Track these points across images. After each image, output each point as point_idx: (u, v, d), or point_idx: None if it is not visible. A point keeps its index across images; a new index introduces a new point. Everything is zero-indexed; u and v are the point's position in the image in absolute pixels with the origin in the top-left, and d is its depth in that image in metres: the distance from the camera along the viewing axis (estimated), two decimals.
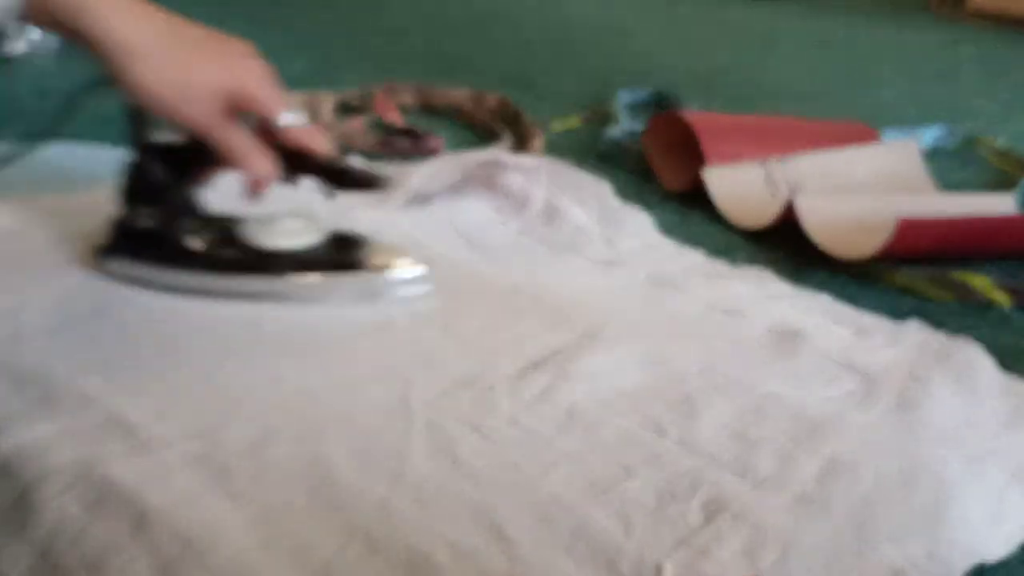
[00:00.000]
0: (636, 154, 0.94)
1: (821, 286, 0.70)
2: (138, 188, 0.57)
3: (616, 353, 0.56)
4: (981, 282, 0.69)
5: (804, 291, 0.68)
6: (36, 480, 0.40)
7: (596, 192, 0.78)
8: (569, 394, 0.51)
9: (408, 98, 1.12)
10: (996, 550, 0.43)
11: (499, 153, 0.79)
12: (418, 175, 0.76)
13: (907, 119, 1.24)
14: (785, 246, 0.76)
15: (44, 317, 0.54)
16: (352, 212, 0.73)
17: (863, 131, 1.01)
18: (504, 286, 0.63)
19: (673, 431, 0.49)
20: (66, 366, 0.49)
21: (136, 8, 0.50)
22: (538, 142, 0.96)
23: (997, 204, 0.86)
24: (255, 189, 0.56)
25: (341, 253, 0.59)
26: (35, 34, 1.15)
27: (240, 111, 0.53)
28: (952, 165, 1.05)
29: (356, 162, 0.59)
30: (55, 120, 0.57)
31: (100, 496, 0.40)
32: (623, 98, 1.18)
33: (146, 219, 0.57)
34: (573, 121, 1.10)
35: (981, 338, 0.64)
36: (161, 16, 0.51)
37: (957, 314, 0.68)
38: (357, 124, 0.98)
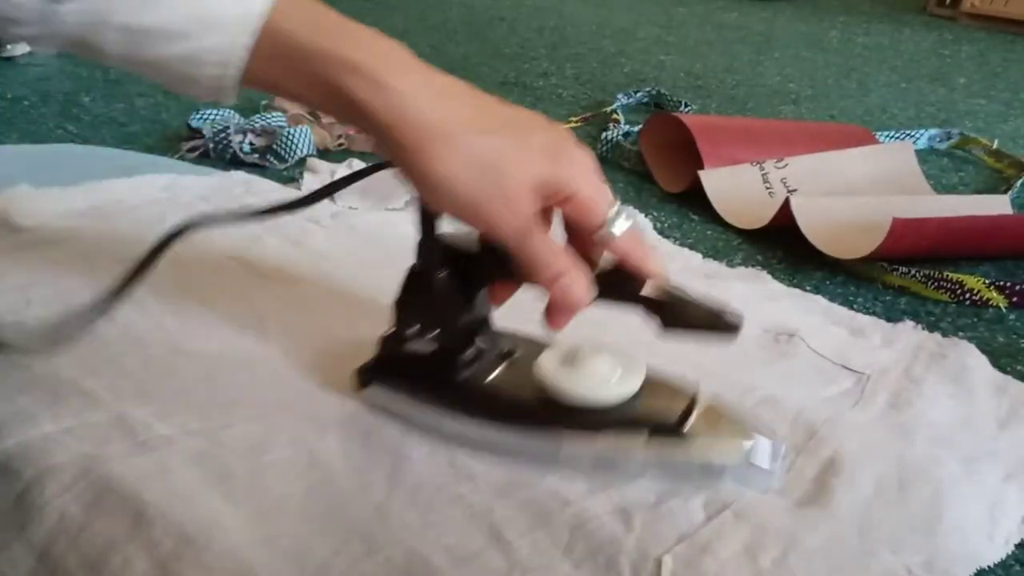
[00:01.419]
0: (634, 155, 0.95)
1: (818, 286, 0.71)
2: (417, 302, 0.45)
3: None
4: (976, 282, 0.69)
5: (801, 292, 0.68)
6: (37, 480, 0.40)
7: None
8: None
9: None
10: (993, 552, 0.43)
11: None
12: None
13: (903, 120, 1.25)
14: (782, 247, 0.77)
15: (48, 313, 0.54)
16: (352, 215, 0.73)
17: (860, 133, 1.02)
18: None
19: None
20: (72, 365, 0.49)
21: (439, 83, 0.40)
22: None
23: (992, 204, 0.86)
24: (556, 321, 0.43)
25: (658, 412, 0.44)
26: None
27: (558, 211, 0.42)
28: (947, 166, 1.05)
29: (693, 293, 0.43)
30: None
31: (99, 495, 0.40)
32: (621, 100, 1.19)
33: (423, 342, 0.45)
34: (572, 123, 1.10)
35: (976, 338, 0.64)
36: (467, 92, 0.40)
37: (953, 314, 0.68)
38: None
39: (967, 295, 0.69)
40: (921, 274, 0.70)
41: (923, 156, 1.04)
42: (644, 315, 0.43)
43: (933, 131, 1.11)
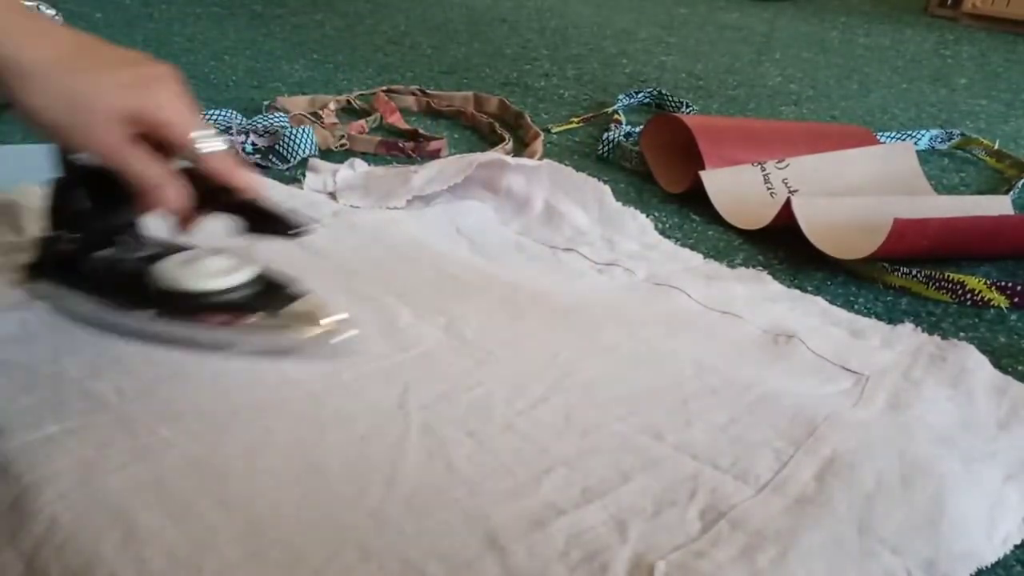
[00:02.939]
0: (635, 156, 0.95)
1: (819, 287, 0.71)
2: (63, 208, 0.52)
3: (614, 355, 0.56)
4: (978, 282, 0.69)
5: (800, 293, 0.68)
6: (35, 484, 0.40)
7: (596, 194, 0.78)
8: (566, 398, 0.51)
9: (410, 101, 1.12)
10: (993, 552, 0.43)
11: (500, 155, 0.80)
12: (420, 175, 0.76)
13: (904, 121, 1.25)
14: (783, 247, 0.77)
15: (51, 314, 0.54)
16: (353, 213, 0.74)
17: (861, 134, 1.02)
18: (504, 286, 0.63)
19: (670, 435, 0.48)
20: (77, 366, 0.50)
21: (40, 27, 0.45)
22: (538, 144, 0.97)
23: (993, 205, 0.86)
24: (181, 226, 0.49)
25: (257, 300, 0.50)
26: None
27: (151, 136, 0.46)
28: (948, 167, 1.06)
29: (278, 202, 0.50)
30: None
31: (92, 506, 0.40)
32: (622, 100, 1.19)
33: (66, 242, 0.52)
34: (573, 123, 1.10)
35: (977, 338, 0.64)
36: (67, 35, 0.45)
37: (954, 314, 0.68)
38: (359, 127, 0.98)
39: (968, 295, 0.69)
40: (922, 274, 0.70)
41: (924, 157, 1.04)
42: (234, 221, 0.49)
43: (934, 131, 1.11)
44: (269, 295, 0.50)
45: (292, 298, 0.50)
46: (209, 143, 0.47)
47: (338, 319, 0.49)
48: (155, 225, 0.53)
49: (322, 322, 0.48)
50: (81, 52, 0.45)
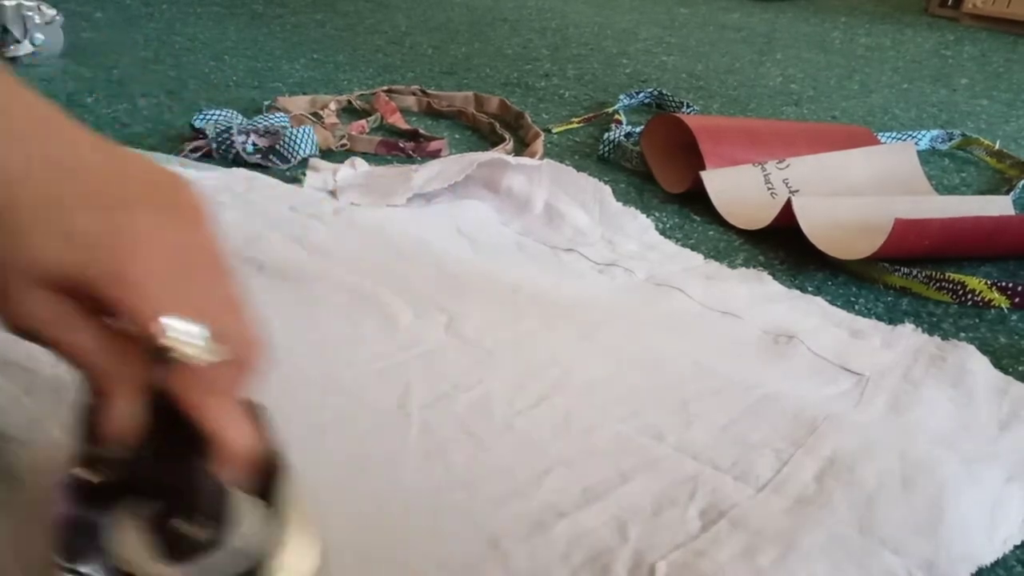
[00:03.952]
0: (636, 156, 0.95)
1: (819, 287, 0.71)
2: None
3: (614, 356, 0.56)
4: (978, 283, 0.69)
5: (800, 293, 0.68)
6: (40, 490, 0.39)
7: (596, 194, 0.78)
8: (566, 399, 0.51)
9: (410, 101, 1.12)
10: (993, 553, 0.43)
11: (500, 155, 0.80)
12: (421, 174, 0.76)
13: (905, 121, 1.25)
14: (784, 247, 0.77)
15: None
16: (354, 211, 0.74)
17: (862, 134, 1.02)
18: (504, 286, 0.63)
19: (670, 436, 0.48)
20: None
21: (22, 127, 0.29)
22: (539, 144, 0.97)
23: (994, 205, 0.86)
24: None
25: None
26: (39, 36, 1.15)
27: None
28: (949, 167, 1.05)
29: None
30: None
31: None
32: (623, 100, 1.19)
33: None
34: (573, 123, 1.10)
35: (978, 339, 0.64)
36: (56, 136, 0.29)
37: (954, 315, 0.68)
38: (360, 126, 0.98)
39: (969, 296, 0.69)
40: (923, 275, 0.70)
41: (925, 157, 1.04)
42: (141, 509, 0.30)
43: (935, 132, 1.11)
44: None
45: None
46: (186, 346, 0.28)
47: None
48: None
49: None
50: (53, 172, 0.28)
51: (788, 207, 0.75)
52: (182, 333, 0.28)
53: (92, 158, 0.29)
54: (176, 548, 0.30)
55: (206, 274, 0.29)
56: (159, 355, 0.28)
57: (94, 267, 0.27)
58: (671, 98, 1.21)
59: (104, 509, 0.30)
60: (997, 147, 1.07)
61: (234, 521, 0.30)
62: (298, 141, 0.87)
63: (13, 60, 1.15)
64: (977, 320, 0.67)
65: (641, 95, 1.23)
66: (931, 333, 0.63)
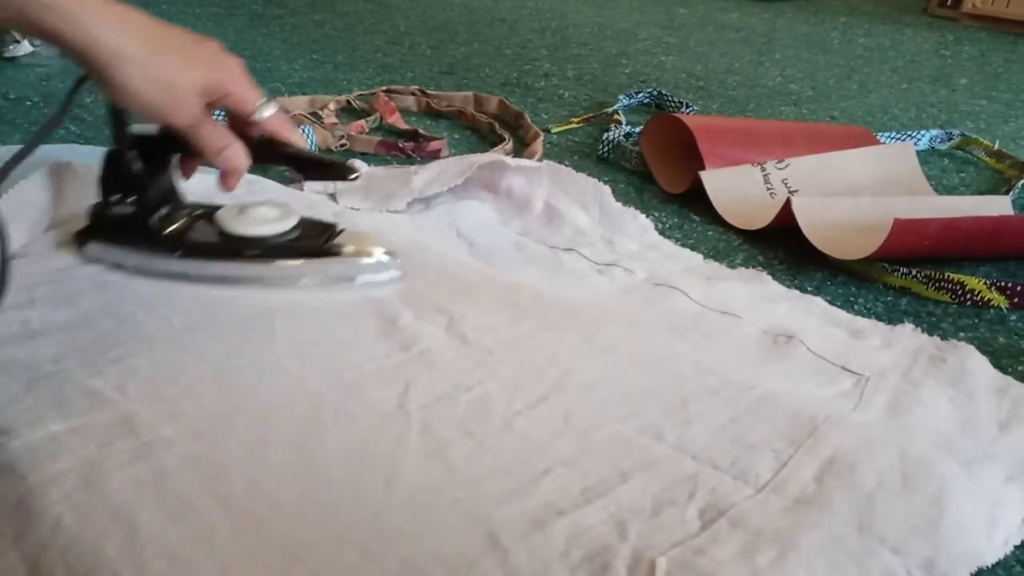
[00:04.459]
0: (635, 156, 0.95)
1: (819, 287, 0.71)
2: (116, 177, 0.59)
3: (614, 355, 0.56)
4: (978, 283, 0.69)
5: (800, 293, 0.68)
6: (39, 485, 0.40)
7: (596, 194, 0.78)
8: (565, 399, 0.51)
9: (410, 101, 1.12)
10: (992, 552, 0.43)
11: (500, 155, 0.80)
12: (420, 177, 0.76)
13: (904, 121, 1.25)
14: (783, 247, 0.77)
15: (55, 311, 0.54)
16: (355, 215, 0.74)
17: (861, 134, 1.02)
18: (504, 287, 0.63)
19: (670, 435, 0.48)
20: (80, 364, 0.49)
21: (118, 12, 0.50)
22: (538, 144, 0.97)
23: (993, 205, 0.87)
24: (227, 183, 0.57)
25: (311, 240, 0.61)
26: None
27: (218, 106, 0.55)
28: (948, 167, 1.06)
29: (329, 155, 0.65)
30: (54, 117, 0.57)
31: (95, 507, 0.40)
32: (622, 101, 1.19)
33: (123, 206, 0.59)
34: (573, 123, 1.10)
35: (977, 338, 0.64)
36: (142, 20, 0.51)
37: (954, 315, 0.68)
38: (360, 126, 0.98)
39: (968, 296, 0.69)
40: (922, 275, 0.70)
41: (924, 157, 1.04)
42: (291, 171, 0.64)
43: (934, 132, 1.11)
44: (319, 235, 0.61)
45: (337, 233, 0.62)
46: (268, 109, 0.56)
47: (382, 249, 0.61)
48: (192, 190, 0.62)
49: (372, 251, 0.61)
50: (158, 35, 0.51)
51: (787, 207, 0.76)
52: (265, 106, 0.56)
53: (158, 24, 0.52)
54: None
55: (248, 77, 0.56)
56: (260, 118, 0.56)
57: (219, 78, 0.53)
58: (670, 98, 1.21)
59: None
60: (996, 147, 1.07)
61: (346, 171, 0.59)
62: None
63: (12, 60, 1.15)
64: (976, 320, 0.68)
65: (640, 95, 1.23)
66: (931, 333, 0.63)
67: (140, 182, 0.59)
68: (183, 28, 0.54)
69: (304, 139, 0.59)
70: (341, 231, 0.62)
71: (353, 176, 0.58)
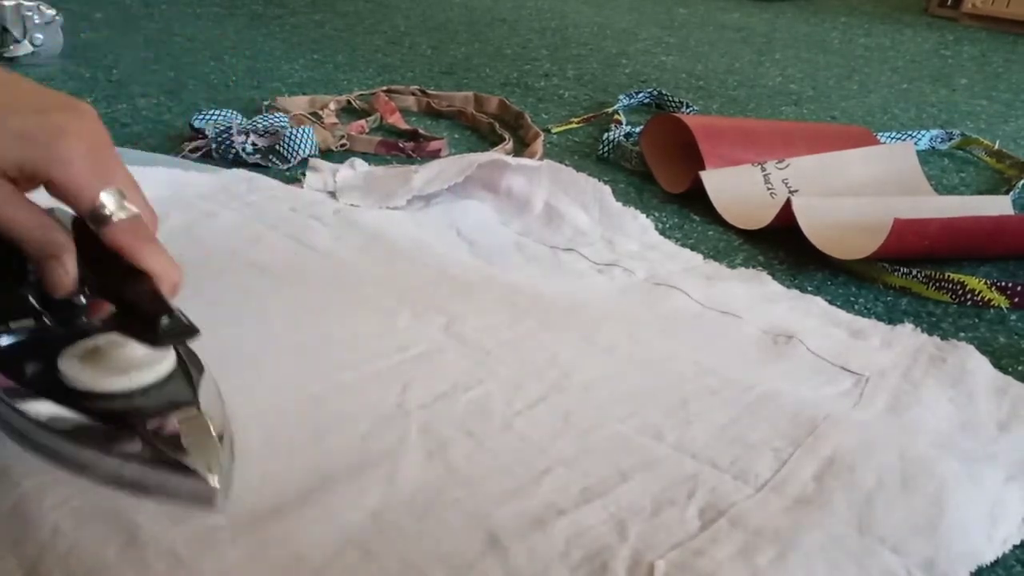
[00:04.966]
0: (636, 156, 0.95)
1: (819, 287, 0.71)
2: None
3: (614, 355, 0.56)
4: (978, 283, 0.69)
5: (800, 293, 0.68)
6: (36, 490, 0.40)
7: (596, 194, 0.78)
8: (565, 399, 0.51)
9: (410, 101, 1.12)
10: (993, 552, 0.43)
11: (500, 155, 0.80)
12: (420, 176, 0.76)
13: (904, 121, 1.25)
14: (783, 247, 0.77)
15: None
16: (354, 212, 0.74)
17: (861, 134, 1.02)
18: (504, 287, 0.63)
19: (670, 435, 0.48)
20: None
21: None
22: (538, 144, 0.97)
23: (994, 205, 0.87)
24: (90, 312, 0.41)
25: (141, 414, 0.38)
26: (39, 37, 1.15)
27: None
28: (949, 167, 1.06)
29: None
30: None
31: (93, 511, 0.39)
32: (622, 101, 1.19)
33: None
34: (573, 123, 1.10)
35: (978, 339, 0.64)
36: None
37: (954, 315, 0.68)
38: (360, 126, 0.98)
39: (968, 296, 0.69)
40: (922, 275, 0.70)
41: (924, 157, 1.04)
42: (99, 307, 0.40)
43: (934, 132, 1.11)
44: (155, 407, 0.38)
45: (178, 417, 0.38)
46: (114, 207, 0.39)
47: (212, 467, 0.36)
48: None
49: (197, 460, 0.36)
50: None
51: (787, 207, 0.76)
52: (113, 198, 0.38)
53: (5, 78, 0.40)
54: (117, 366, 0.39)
55: (111, 155, 0.40)
56: (98, 218, 0.38)
57: (41, 156, 0.37)
58: (671, 98, 1.21)
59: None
60: (996, 147, 1.07)
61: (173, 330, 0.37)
62: (298, 141, 0.87)
63: (12, 60, 1.15)
64: (976, 320, 0.68)
65: (641, 95, 1.23)
66: (931, 333, 0.63)
67: None
68: (46, 89, 0.41)
69: (166, 266, 0.39)
70: (194, 412, 0.38)
71: (158, 343, 0.38)
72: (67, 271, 0.39)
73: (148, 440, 0.36)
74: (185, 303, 0.56)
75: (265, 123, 0.91)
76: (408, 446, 0.46)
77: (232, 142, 0.86)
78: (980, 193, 0.97)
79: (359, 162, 0.83)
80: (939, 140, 1.11)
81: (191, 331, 0.37)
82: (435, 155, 0.93)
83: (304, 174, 0.81)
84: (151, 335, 0.37)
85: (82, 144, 0.39)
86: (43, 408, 0.38)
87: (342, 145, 0.94)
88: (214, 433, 0.37)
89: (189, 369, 0.41)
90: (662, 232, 0.78)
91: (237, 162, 0.86)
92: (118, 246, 0.39)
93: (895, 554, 0.41)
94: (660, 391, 0.53)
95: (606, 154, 0.98)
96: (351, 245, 0.68)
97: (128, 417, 0.38)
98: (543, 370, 0.54)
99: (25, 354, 0.41)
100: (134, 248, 0.39)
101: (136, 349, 0.39)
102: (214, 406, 0.40)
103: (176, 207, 0.70)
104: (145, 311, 0.37)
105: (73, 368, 0.39)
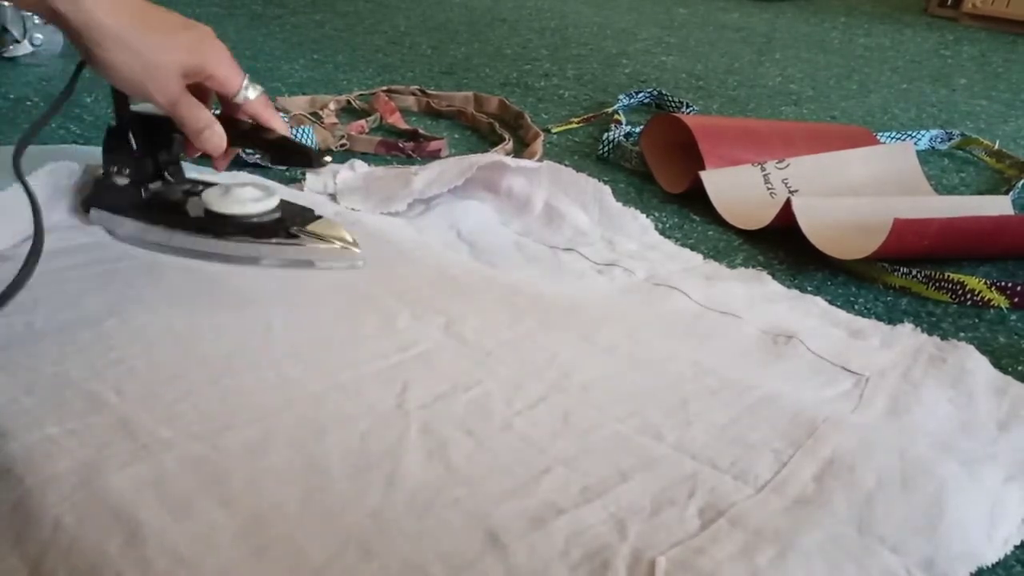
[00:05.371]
0: (636, 156, 0.95)
1: (819, 287, 0.71)
2: (114, 150, 0.64)
3: (613, 356, 0.56)
4: (978, 283, 0.69)
5: (800, 293, 0.68)
6: (37, 487, 0.40)
7: (596, 194, 0.78)
8: (565, 399, 0.51)
9: (410, 101, 1.12)
10: (993, 553, 0.43)
11: (500, 156, 0.80)
12: (421, 178, 0.76)
13: (904, 121, 1.25)
14: (783, 247, 0.77)
15: (57, 313, 0.54)
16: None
17: (861, 134, 1.02)
18: (504, 287, 0.64)
19: (670, 435, 0.48)
20: (80, 366, 0.49)
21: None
22: (538, 144, 0.97)
23: (993, 205, 0.87)
24: (216, 165, 0.62)
25: (282, 223, 0.63)
26: (39, 36, 1.15)
27: (202, 88, 0.58)
28: (948, 167, 1.06)
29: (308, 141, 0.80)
30: (53, 107, 0.61)
31: (95, 508, 0.39)
32: (622, 101, 1.19)
33: (120, 177, 0.64)
34: (573, 123, 1.10)
35: (977, 338, 0.64)
36: (136, 2, 0.54)
37: (954, 314, 0.68)
38: (360, 126, 0.98)
39: (968, 296, 0.69)
40: (922, 275, 0.70)
41: (924, 157, 1.04)
42: (266, 157, 0.77)
43: (934, 132, 1.11)
44: (293, 218, 0.64)
45: (309, 220, 0.64)
46: (251, 91, 0.60)
47: (349, 238, 0.63)
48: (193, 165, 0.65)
49: (336, 239, 0.63)
50: (146, 16, 0.54)
51: (787, 207, 0.76)
52: (248, 83, 0.60)
53: (143, 4, 0.55)
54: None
55: (232, 61, 0.59)
56: (242, 97, 0.60)
57: (201, 59, 0.56)
58: (671, 98, 1.21)
59: None
60: (996, 147, 1.07)
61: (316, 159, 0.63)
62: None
63: (12, 60, 1.15)
64: (976, 320, 0.68)
65: (641, 95, 1.23)
66: (930, 333, 0.63)
67: (134, 156, 0.64)
68: (177, 14, 0.56)
69: (284, 124, 0.63)
70: (318, 217, 0.65)
71: (326, 161, 0.62)
72: (221, 136, 0.58)
73: (300, 231, 0.63)
74: (187, 303, 0.57)
75: None
76: (408, 446, 0.46)
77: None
78: (980, 193, 0.97)
79: (359, 163, 0.83)
80: (939, 140, 1.11)
81: (325, 154, 0.63)
82: (435, 155, 0.93)
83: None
84: (308, 160, 0.64)
85: (223, 49, 0.58)
86: (213, 225, 0.62)
87: (342, 145, 0.94)
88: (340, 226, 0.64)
89: (298, 205, 0.66)
90: (662, 232, 0.78)
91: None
92: (255, 113, 0.61)
93: (895, 554, 0.41)
94: (660, 391, 0.53)
95: (606, 154, 0.98)
96: None
97: (277, 223, 0.63)
98: (543, 370, 0.54)
99: (171, 199, 0.66)
100: (268, 115, 0.61)
101: (248, 191, 0.63)
102: (332, 218, 0.66)
103: None
104: (300, 148, 0.68)
105: (218, 202, 0.63)
